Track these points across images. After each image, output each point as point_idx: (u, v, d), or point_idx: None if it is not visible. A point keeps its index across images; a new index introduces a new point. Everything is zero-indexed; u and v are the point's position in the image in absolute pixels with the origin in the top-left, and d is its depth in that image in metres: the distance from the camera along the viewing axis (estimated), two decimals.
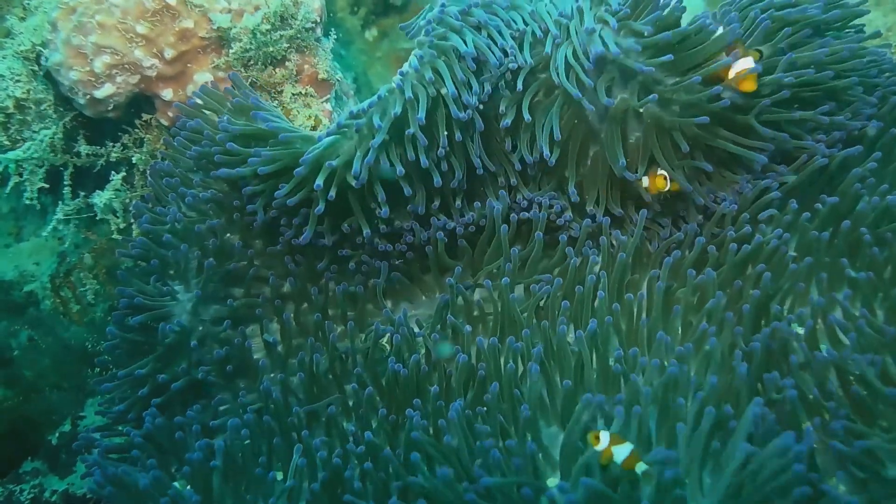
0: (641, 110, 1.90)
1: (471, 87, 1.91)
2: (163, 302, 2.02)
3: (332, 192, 1.87)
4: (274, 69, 2.37)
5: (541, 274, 2.04)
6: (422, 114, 1.84)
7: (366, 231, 1.98)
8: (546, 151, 1.96)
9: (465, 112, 1.90)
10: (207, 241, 2.02)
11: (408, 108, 1.86)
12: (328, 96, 2.52)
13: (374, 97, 1.90)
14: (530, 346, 1.73)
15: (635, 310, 1.81)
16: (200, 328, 2.03)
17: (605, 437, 1.38)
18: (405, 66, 1.93)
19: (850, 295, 1.71)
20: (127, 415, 1.97)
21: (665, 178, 1.90)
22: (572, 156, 2.03)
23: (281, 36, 2.28)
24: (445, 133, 1.92)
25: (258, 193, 1.98)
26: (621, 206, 2.05)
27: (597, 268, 1.93)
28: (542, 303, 1.91)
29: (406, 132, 1.86)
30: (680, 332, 1.79)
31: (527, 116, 1.97)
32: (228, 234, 2.09)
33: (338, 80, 2.58)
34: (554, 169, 2.08)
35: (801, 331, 1.67)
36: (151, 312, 1.98)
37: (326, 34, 2.53)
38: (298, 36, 2.36)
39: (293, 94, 2.44)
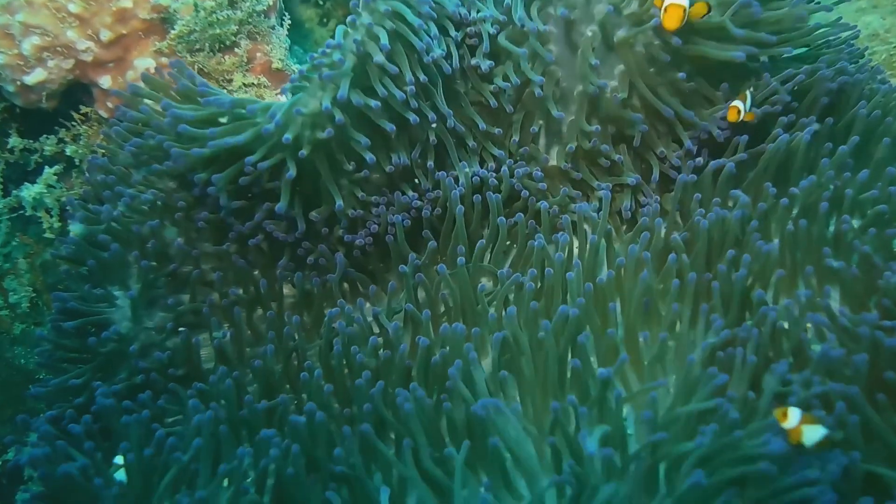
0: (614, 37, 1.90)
1: (429, 32, 1.83)
2: (100, 308, 1.85)
3: (305, 151, 1.75)
4: (223, 56, 2.22)
5: (509, 257, 1.93)
6: (385, 41, 1.76)
7: (338, 203, 1.84)
8: (535, 76, 1.94)
9: (428, 56, 1.84)
10: (147, 241, 1.86)
11: (367, 38, 1.77)
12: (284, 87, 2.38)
13: (330, 40, 1.80)
14: (488, 334, 1.61)
15: (607, 297, 1.69)
16: (143, 336, 1.86)
17: (795, 414, 1.19)
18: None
19: (829, 291, 1.62)
20: (61, 422, 1.77)
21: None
22: (548, 94, 2.01)
23: (229, 17, 2.12)
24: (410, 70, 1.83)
25: (219, 176, 1.80)
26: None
27: (565, 251, 1.82)
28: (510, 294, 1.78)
29: (374, 59, 1.76)
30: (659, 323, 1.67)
31: (513, 49, 1.94)
32: (170, 235, 1.92)
33: (294, 72, 2.44)
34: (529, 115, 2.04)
35: (786, 325, 1.56)
36: (87, 318, 1.81)
37: (281, 23, 2.39)
38: (249, 20, 2.21)
39: (244, 84, 2.29)
